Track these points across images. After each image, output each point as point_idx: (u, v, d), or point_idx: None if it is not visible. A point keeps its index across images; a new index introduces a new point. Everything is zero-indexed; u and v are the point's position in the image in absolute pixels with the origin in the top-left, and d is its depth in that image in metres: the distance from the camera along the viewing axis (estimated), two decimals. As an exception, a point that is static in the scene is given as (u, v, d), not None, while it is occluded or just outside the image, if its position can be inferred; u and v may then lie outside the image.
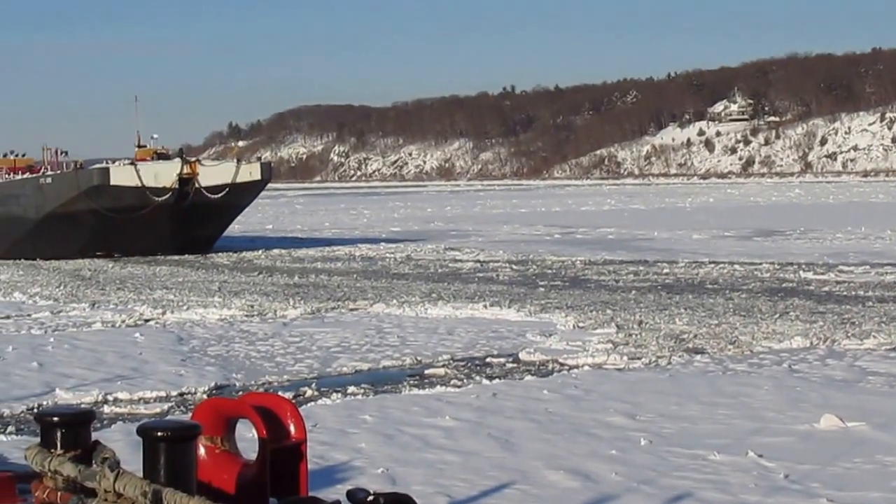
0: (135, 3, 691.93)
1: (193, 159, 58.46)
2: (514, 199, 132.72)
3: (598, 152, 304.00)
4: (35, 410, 15.16)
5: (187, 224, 54.14)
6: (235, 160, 60.11)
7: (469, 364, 21.34)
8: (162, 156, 61.48)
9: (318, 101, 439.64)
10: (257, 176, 57.22)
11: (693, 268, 39.51)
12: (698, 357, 20.91)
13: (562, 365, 20.85)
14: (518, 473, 12.49)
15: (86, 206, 53.61)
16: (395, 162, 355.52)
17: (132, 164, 55.94)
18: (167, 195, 53.78)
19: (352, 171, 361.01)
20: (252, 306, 30.79)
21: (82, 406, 13.22)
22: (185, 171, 54.63)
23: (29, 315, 30.20)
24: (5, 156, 70.18)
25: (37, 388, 19.20)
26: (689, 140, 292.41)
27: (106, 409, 17.65)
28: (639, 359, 20.92)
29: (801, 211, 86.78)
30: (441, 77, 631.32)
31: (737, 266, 39.58)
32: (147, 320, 28.62)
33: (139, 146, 64.35)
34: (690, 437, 14.08)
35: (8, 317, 29.85)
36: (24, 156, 69.65)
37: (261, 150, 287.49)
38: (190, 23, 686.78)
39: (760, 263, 40.34)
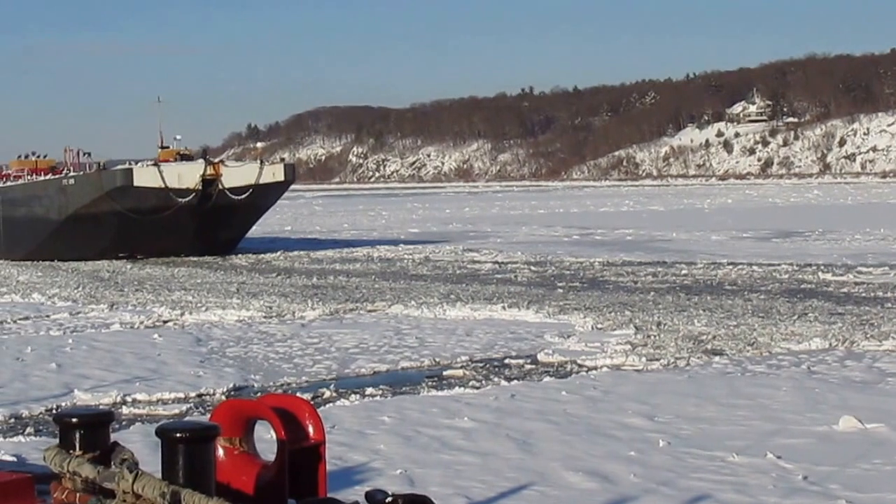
0: (155, 4, 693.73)
1: (217, 160, 58.59)
2: (532, 201, 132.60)
3: (616, 153, 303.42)
4: (54, 411, 15.22)
5: (211, 225, 54.20)
6: (259, 161, 60.19)
7: (487, 365, 21.35)
8: (185, 157, 61.63)
9: (337, 103, 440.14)
10: (280, 177, 57.27)
11: (711, 269, 39.45)
12: (717, 358, 20.89)
13: (580, 366, 20.84)
14: (536, 475, 12.49)
15: (109, 208, 53.69)
16: (414, 163, 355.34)
17: (155, 165, 56.00)
18: (191, 196, 53.84)
19: (370, 173, 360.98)
20: (270, 307, 30.83)
21: (101, 407, 13.27)
22: (208, 172, 54.66)
23: (48, 316, 30.31)
24: (27, 157, 70.42)
25: (55, 389, 19.27)
26: (707, 141, 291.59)
27: (124, 410, 17.71)
28: (657, 360, 20.90)
29: (819, 212, 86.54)
30: (459, 78, 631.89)
31: (755, 267, 39.49)
32: (165, 321, 28.70)
33: (162, 147, 64.48)
34: (709, 439, 14.06)
35: (27, 318, 29.96)
36: (46, 157, 69.89)
37: (279, 151, 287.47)
38: (208, 25, 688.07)
39: (779, 264, 40.25)
